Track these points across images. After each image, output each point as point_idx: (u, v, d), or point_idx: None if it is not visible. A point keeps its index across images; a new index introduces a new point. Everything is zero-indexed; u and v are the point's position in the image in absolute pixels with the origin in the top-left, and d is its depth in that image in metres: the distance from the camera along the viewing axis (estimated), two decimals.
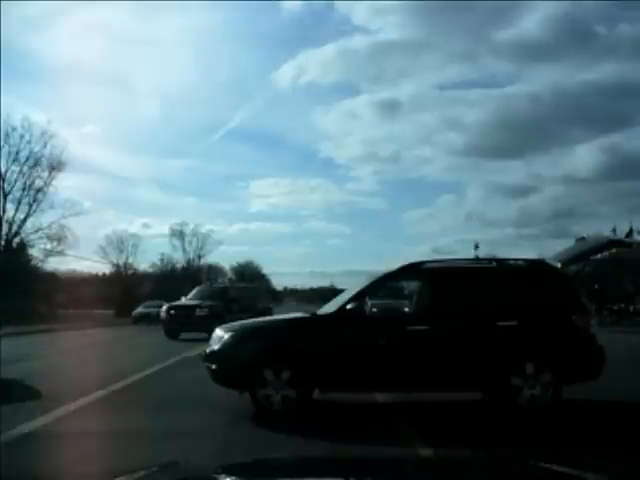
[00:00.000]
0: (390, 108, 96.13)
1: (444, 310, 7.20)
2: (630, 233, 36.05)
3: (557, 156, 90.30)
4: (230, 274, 68.60)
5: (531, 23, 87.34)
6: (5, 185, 41.27)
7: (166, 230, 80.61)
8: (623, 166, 76.59)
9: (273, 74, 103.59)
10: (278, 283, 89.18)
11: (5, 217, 41.33)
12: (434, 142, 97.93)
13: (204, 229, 67.81)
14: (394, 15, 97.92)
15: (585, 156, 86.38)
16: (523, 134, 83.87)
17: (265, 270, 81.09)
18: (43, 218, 42.76)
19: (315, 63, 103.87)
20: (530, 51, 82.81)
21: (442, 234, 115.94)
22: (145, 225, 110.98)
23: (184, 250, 67.01)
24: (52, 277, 45.40)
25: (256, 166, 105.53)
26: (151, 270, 65.06)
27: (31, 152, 41.16)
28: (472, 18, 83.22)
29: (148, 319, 33.39)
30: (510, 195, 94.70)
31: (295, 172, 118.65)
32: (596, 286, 26.81)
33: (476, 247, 41.69)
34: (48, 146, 41.41)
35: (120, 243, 60.89)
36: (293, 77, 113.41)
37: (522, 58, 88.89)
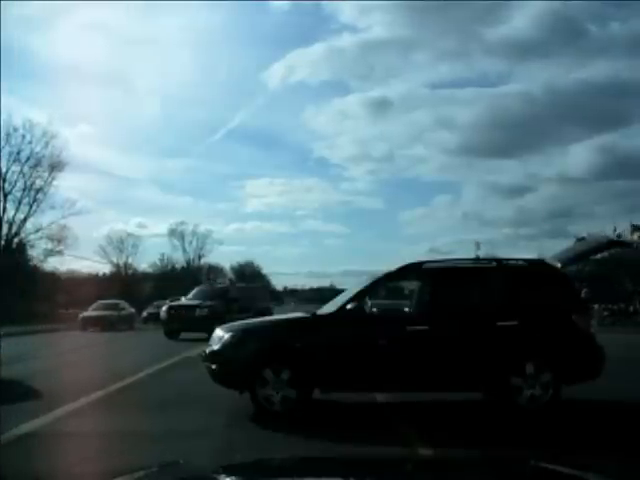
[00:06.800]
0: (381, 107, 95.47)
1: (444, 310, 7.20)
2: (633, 231, 36.17)
3: (552, 155, 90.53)
4: (230, 274, 68.59)
5: (523, 21, 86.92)
6: (6, 185, 41.39)
7: (163, 230, 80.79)
8: (619, 165, 76.57)
9: (264, 74, 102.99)
10: (278, 283, 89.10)
11: (5, 217, 41.43)
12: (428, 141, 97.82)
13: (202, 229, 67.97)
14: (382, 13, 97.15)
15: (580, 155, 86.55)
16: (518, 133, 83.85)
17: (264, 270, 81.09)
18: (43, 218, 42.88)
19: (304, 62, 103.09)
20: (522, 49, 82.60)
21: (439, 234, 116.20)
22: (141, 225, 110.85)
23: (184, 250, 67.17)
24: (52, 277, 45.37)
25: (252, 166, 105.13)
26: (151, 270, 65.17)
27: (32, 152, 41.27)
28: (462, 16, 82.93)
29: None
30: (506, 195, 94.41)
31: (290, 172, 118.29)
32: (585, 289, 26.76)
33: (478, 247, 41.65)
34: (49, 146, 41.50)
35: (120, 243, 61.04)
36: (283, 77, 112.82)
37: (514, 56, 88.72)
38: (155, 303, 38.37)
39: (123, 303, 32.77)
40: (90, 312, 30.11)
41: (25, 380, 9.54)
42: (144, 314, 36.96)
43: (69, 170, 49.60)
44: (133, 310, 33.33)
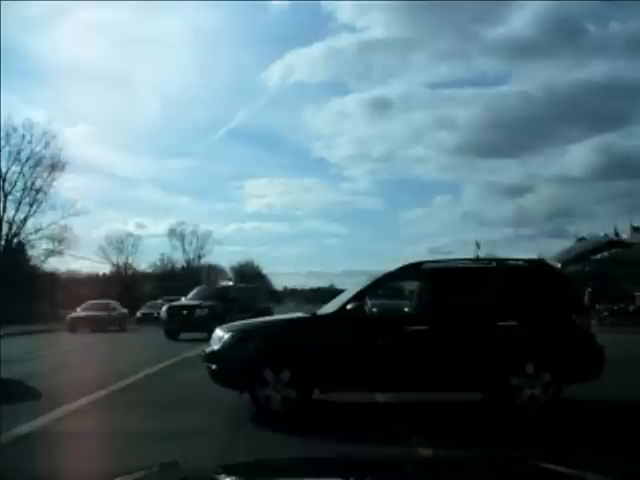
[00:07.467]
0: (380, 107, 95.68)
1: (444, 310, 7.19)
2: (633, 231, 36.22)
3: (552, 155, 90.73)
4: (230, 274, 68.57)
5: (522, 21, 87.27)
6: (6, 185, 41.36)
7: (163, 230, 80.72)
8: (619, 165, 76.88)
9: (264, 74, 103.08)
10: (278, 283, 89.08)
11: (5, 217, 41.40)
12: (427, 141, 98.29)
13: (202, 229, 67.89)
14: (380, 13, 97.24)
15: (580, 155, 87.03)
16: (517, 133, 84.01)
17: (264, 270, 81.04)
18: (43, 218, 42.82)
19: (303, 62, 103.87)
20: (522, 49, 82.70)
21: (439, 234, 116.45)
22: (141, 225, 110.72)
23: (184, 250, 67.13)
24: (52, 277, 45.30)
25: (252, 166, 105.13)
26: (151, 270, 65.12)
27: (32, 152, 41.19)
28: (461, 16, 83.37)
29: None
30: (506, 194, 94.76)
31: (289, 172, 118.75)
32: (589, 289, 26.79)
33: (478, 247, 41.67)
34: (49, 146, 41.46)
35: (120, 243, 60.97)
36: (282, 76, 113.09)
37: (514, 56, 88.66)
38: (148, 304, 37.69)
39: (114, 303, 31.48)
40: (79, 312, 28.67)
41: (25, 380, 9.54)
42: (138, 314, 36.17)
43: (69, 170, 49.51)
44: (125, 310, 32.12)
